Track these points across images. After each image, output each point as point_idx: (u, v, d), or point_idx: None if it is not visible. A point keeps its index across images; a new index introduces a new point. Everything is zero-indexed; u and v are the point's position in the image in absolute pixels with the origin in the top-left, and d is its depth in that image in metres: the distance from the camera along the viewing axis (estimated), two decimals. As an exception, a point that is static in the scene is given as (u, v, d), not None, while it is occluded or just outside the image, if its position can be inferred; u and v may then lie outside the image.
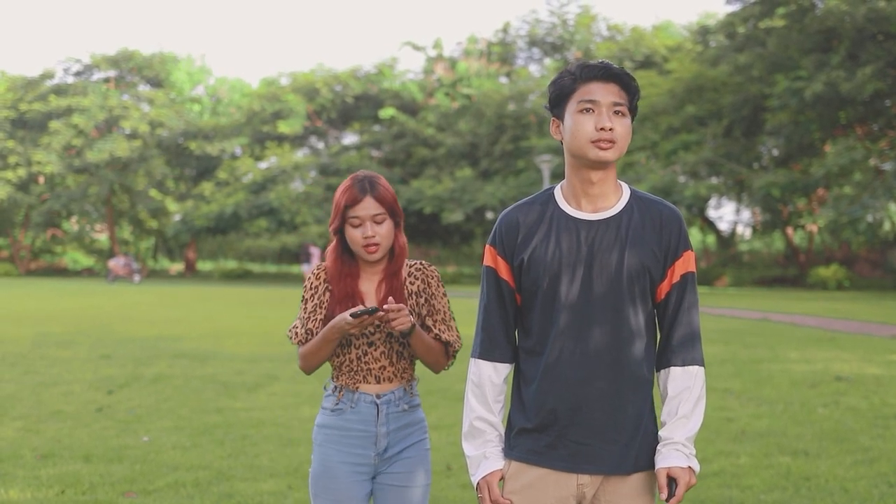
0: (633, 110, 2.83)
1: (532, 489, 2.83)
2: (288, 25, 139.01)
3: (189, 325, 19.34)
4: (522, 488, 2.84)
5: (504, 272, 2.90)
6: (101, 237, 61.13)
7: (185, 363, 13.01)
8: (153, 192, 54.94)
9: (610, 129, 2.74)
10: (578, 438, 2.78)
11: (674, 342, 2.81)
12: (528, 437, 2.84)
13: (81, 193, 52.67)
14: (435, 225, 49.32)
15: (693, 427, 2.78)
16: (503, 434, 2.93)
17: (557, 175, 41.94)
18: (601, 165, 2.78)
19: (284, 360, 13.30)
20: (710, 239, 53.56)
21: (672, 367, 2.79)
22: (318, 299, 3.38)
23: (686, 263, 2.83)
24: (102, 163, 52.09)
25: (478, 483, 2.89)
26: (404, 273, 3.40)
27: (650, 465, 2.82)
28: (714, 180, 39.79)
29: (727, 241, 50.74)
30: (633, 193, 2.87)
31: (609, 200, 2.83)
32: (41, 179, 55.09)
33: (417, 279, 3.40)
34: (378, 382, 3.34)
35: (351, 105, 52.39)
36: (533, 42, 53.53)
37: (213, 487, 6.35)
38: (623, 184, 2.90)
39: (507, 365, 2.93)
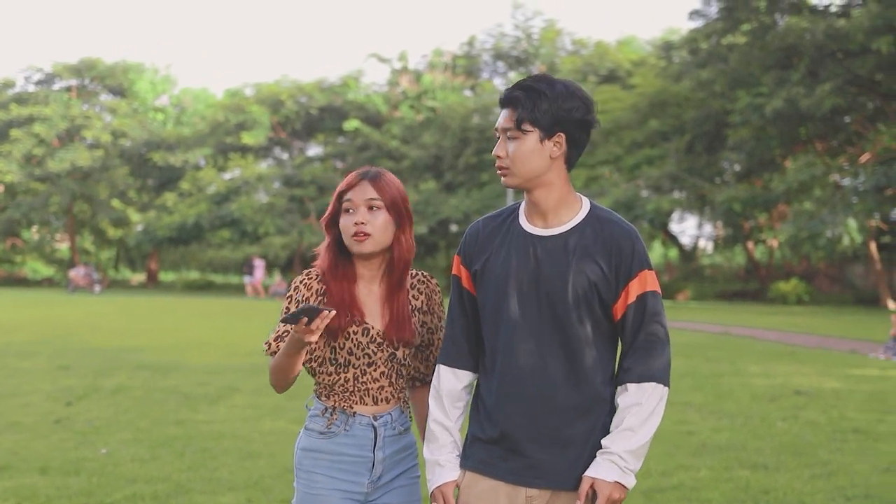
0: (537, 121, 2.75)
1: (483, 500, 2.85)
2: (253, 36, 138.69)
3: (150, 336, 19.19)
4: (474, 498, 2.86)
5: (466, 281, 2.94)
6: (62, 247, 60.54)
7: (146, 374, 12.91)
8: (115, 203, 54.49)
9: (498, 157, 2.80)
10: (528, 452, 2.78)
11: (630, 360, 2.78)
12: (482, 447, 2.87)
13: (42, 203, 52.16)
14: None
15: (637, 441, 2.72)
16: (458, 441, 2.94)
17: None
18: (514, 189, 2.85)
19: (246, 372, 13.22)
20: (673, 253, 53.85)
21: (627, 384, 2.76)
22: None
23: (643, 283, 2.77)
24: (64, 172, 51.60)
25: (432, 492, 2.90)
26: (408, 284, 3.12)
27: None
28: (676, 195, 40.04)
29: (689, 255, 51.04)
30: (591, 211, 2.84)
31: (561, 217, 2.82)
32: (1, 188, 54.52)
33: (421, 294, 3.15)
34: (375, 403, 3.05)
35: (315, 117, 52.27)
36: (498, 55, 53.69)
37: (171, 500, 6.30)
38: (585, 200, 2.88)
39: (469, 373, 2.95)
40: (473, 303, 2.93)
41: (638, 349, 2.77)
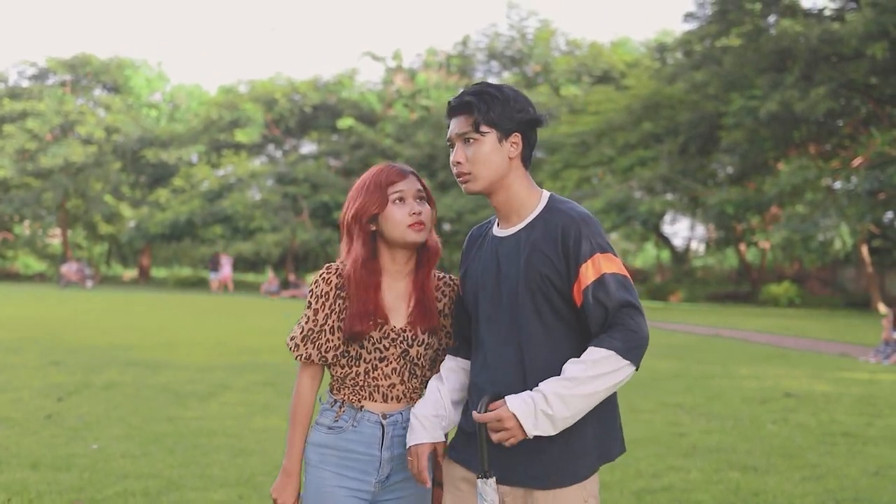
0: (494, 122, 2.77)
1: (458, 489, 2.91)
2: (247, 33, 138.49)
3: (142, 332, 19.17)
4: (450, 485, 2.94)
5: (460, 282, 3.08)
6: (54, 242, 60.42)
7: (137, 371, 12.90)
8: (108, 198, 54.41)
9: (457, 163, 2.83)
10: (497, 448, 2.77)
11: (594, 338, 2.72)
12: (463, 437, 2.93)
13: (35, 198, 52.04)
14: (391, 236, 49.19)
15: (572, 390, 2.61)
16: (446, 402, 2.98)
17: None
18: (477, 194, 2.87)
19: (237, 370, 13.22)
20: (665, 254, 53.92)
21: (590, 346, 2.70)
22: (329, 308, 3.04)
23: (596, 266, 2.71)
24: (57, 168, 51.51)
25: (409, 449, 2.95)
26: (434, 279, 3.11)
27: (574, 480, 2.78)
28: (669, 196, 40.07)
29: (681, 256, 51.10)
30: (547, 204, 2.85)
31: (521, 215, 2.86)
32: (-7, 183, 54.43)
33: (445, 296, 3.12)
34: (385, 401, 3.02)
35: (309, 114, 52.23)
36: (492, 55, 53.71)
37: (162, 497, 6.30)
38: (546, 195, 2.89)
39: (466, 360, 3.03)
40: (462, 302, 3.04)
41: (603, 329, 2.71)
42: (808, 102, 30.14)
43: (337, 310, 3.04)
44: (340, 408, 3.05)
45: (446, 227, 47.23)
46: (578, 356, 2.72)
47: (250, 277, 57.99)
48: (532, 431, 2.61)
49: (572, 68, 49.37)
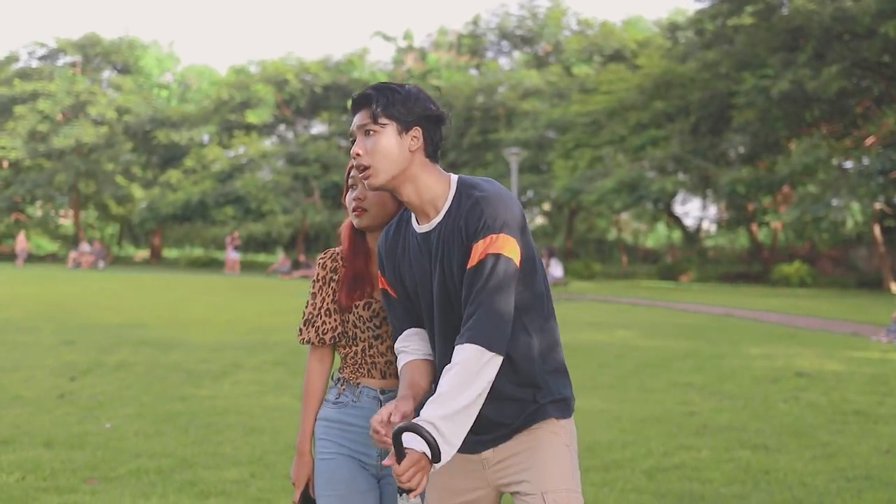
0: (393, 115, 2.78)
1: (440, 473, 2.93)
2: (257, 13, 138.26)
3: (154, 312, 19.24)
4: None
5: (383, 284, 3.08)
6: (66, 223, 60.58)
7: (149, 350, 12.95)
8: (119, 179, 54.51)
9: (357, 155, 2.81)
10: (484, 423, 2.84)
11: (465, 324, 2.68)
12: None
13: (47, 179, 52.15)
14: (402, 215, 49.23)
15: (454, 406, 2.60)
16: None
17: (525, 168, 42.05)
18: (380, 189, 2.84)
19: (249, 349, 13.27)
20: (676, 234, 53.85)
21: (456, 346, 2.67)
22: (324, 292, 3.19)
23: (487, 245, 2.65)
24: (68, 149, 51.60)
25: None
26: None
27: (544, 417, 2.84)
28: (681, 176, 39.95)
29: (692, 236, 51.02)
30: (457, 191, 2.79)
31: (437, 207, 2.80)
32: (5, 164, 54.53)
33: None
34: (383, 378, 3.13)
35: (320, 95, 52.16)
36: (503, 35, 53.54)
37: (175, 475, 6.34)
38: (454, 181, 2.83)
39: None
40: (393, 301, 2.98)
41: (472, 314, 2.66)
42: (820, 81, 30.00)
43: (331, 293, 3.18)
44: (342, 385, 3.17)
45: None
46: (537, 340, 2.80)
47: (262, 258, 58.10)
48: (446, 455, 2.58)
49: (583, 47, 49.15)
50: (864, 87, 34.01)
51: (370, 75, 52.34)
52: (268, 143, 53.71)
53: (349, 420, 3.12)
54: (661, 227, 57.96)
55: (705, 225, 54.73)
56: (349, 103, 2.92)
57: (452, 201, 2.77)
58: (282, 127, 55.67)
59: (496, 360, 2.64)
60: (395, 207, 3.09)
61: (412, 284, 2.89)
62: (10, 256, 53.51)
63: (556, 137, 42.51)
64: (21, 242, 48.15)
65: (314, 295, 3.21)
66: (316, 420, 3.20)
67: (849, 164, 33.24)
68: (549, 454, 2.83)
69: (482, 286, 2.64)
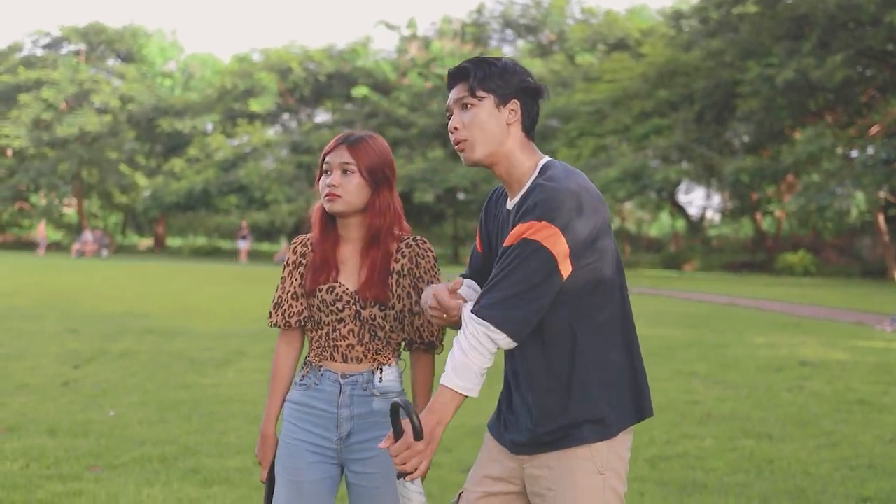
0: (491, 88, 2.74)
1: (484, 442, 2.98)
2: (261, 1, 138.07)
3: (157, 300, 19.25)
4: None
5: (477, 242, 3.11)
6: (70, 211, 60.65)
7: (153, 339, 12.96)
8: (123, 168, 54.53)
9: (455, 129, 2.78)
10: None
11: (482, 291, 2.69)
12: (495, 415, 3.01)
13: (51, 168, 52.18)
14: (406, 204, 49.08)
15: (457, 360, 2.60)
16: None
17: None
18: (475, 165, 2.82)
19: (253, 337, 13.27)
20: (680, 223, 53.82)
21: (463, 311, 2.68)
22: (292, 277, 3.23)
23: (526, 230, 2.61)
24: (72, 137, 51.62)
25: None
26: (392, 248, 3.16)
27: (579, 441, 2.72)
28: (685, 165, 39.94)
29: (696, 225, 51.00)
30: (537, 176, 2.75)
31: (521, 186, 2.79)
32: (9, 153, 54.56)
33: (405, 257, 3.15)
34: (345, 361, 3.13)
35: (324, 83, 52.15)
36: (507, 23, 53.50)
37: (179, 463, 6.34)
38: (540, 165, 2.79)
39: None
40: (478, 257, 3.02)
41: (488, 288, 2.65)
42: (824, 70, 29.96)
43: (299, 277, 3.22)
44: (307, 367, 3.21)
45: (460, 195, 47.23)
46: (585, 345, 2.71)
47: (265, 247, 58.13)
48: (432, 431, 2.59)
49: (587, 36, 49.12)
50: (869, 76, 33.96)
51: (374, 64, 52.30)
52: (271, 132, 53.75)
53: (311, 403, 3.15)
54: (665, 217, 57.92)
55: (709, 214, 54.76)
56: (445, 77, 2.86)
57: (531, 185, 2.73)
58: (285, 115, 55.67)
59: (494, 334, 2.59)
60: (369, 194, 3.12)
61: (493, 249, 2.89)
62: (14, 245, 53.65)
63: (560, 126, 42.47)
64: (42, 231, 48.26)
65: (283, 279, 3.25)
66: (285, 401, 3.25)
67: (853, 154, 33.23)
68: (576, 483, 2.72)
69: (505, 265, 2.62)
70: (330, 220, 3.20)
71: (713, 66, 36.89)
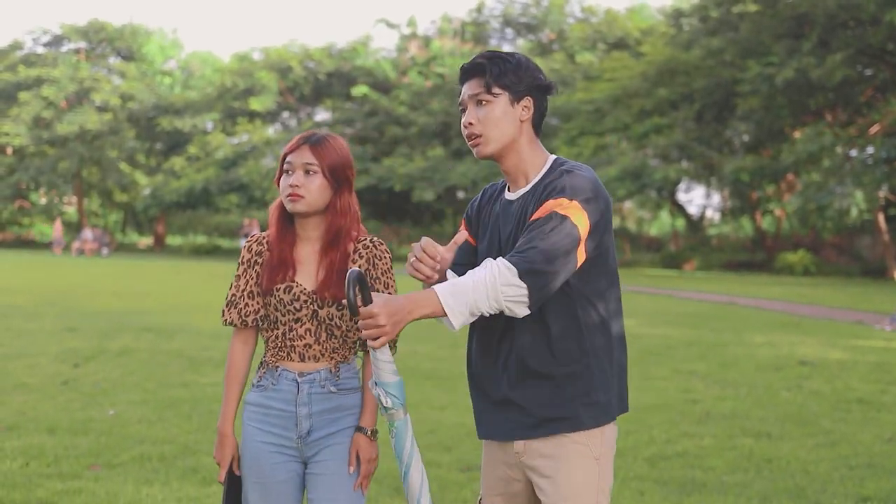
0: (506, 85, 2.77)
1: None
2: (261, 0, 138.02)
3: (156, 299, 19.25)
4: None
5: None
6: (70, 210, 60.64)
7: (152, 337, 12.96)
8: (123, 166, 54.53)
9: (469, 125, 2.81)
10: (483, 400, 2.96)
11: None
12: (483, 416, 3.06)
13: (51, 166, 52.17)
14: (406, 203, 49.29)
15: (460, 288, 2.57)
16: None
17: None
18: (488, 158, 2.85)
19: (252, 336, 13.24)
20: (680, 222, 53.80)
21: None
22: (247, 275, 3.22)
23: (557, 205, 2.63)
24: (72, 135, 51.60)
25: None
26: (350, 249, 3.17)
27: (576, 427, 2.76)
28: (684, 164, 39.93)
29: (696, 224, 50.98)
30: (550, 167, 2.82)
31: (527, 179, 2.85)
32: (9, 151, 54.54)
33: (362, 258, 3.16)
34: (302, 360, 3.15)
35: (323, 82, 52.12)
36: (507, 22, 53.46)
37: (178, 461, 6.34)
38: (552, 161, 2.85)
39: None
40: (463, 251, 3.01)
41: (519, 247, 2.64)
42: (824, 69, 29.95)
43: (254, 276, 3.21)
44: (263, 368, 3.22)
45: (460, 194, 47.18)
46: (588, 332, 2.75)
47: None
48: (415, 314, 2.57)
49: (587, 35, 49.09)
50: (869, 75, 33.96)
51: (374, 63, 52.26)
52: (271, 131, 53.70)
53: (269, 403, 3.17)
54: (665, 216, 57.91)
55: (709, 213, 54.75)
56: (459, 72, 2.88)
57: (544, 175, 2.80)
58: (285, 114, 55.65)
59: (520, 292, 2.57)
60: (330, 195, 3.12)
61: (482, 242, 2.93)
62: (17, 244, 53.66)
63: (560, 125, 42.45)
64: (59, 230, 48.24)
65: (238, 277, 3.24)
66: (244, 403, 3.26)
67: (853, 153, 33.21)
68: (574, 469, 2.76)
69: (539, 229, 2.62)
70: (288, 220, 3.21)
71: (713, 64, 36.88)
